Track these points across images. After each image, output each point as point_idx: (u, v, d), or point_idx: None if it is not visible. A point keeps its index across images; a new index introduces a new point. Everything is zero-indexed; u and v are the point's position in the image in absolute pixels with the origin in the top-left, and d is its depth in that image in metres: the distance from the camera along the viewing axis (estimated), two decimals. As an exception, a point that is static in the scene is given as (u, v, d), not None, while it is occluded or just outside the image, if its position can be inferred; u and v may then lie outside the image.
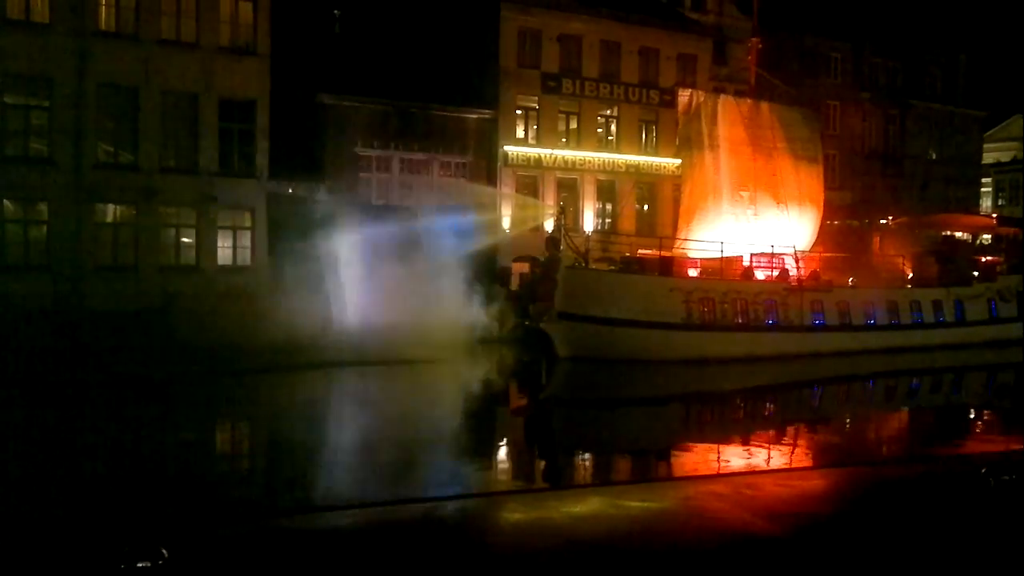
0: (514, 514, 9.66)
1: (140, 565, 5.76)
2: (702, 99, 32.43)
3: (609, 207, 40.53)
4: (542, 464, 16.39)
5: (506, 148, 37.90)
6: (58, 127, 28.45)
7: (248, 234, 31.50)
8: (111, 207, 29.90)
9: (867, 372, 28.87)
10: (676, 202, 33.93)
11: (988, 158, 58.89)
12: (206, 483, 13.58)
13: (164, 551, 5.92)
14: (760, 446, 17.70)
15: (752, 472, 13.60)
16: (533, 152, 38.57)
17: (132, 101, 29.64)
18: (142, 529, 8.55)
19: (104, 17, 29.48)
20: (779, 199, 33.46)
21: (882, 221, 39.85)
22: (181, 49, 30.14)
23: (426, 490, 12.50)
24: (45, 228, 28.63)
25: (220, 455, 16.79)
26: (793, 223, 33.49)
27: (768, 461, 16.22)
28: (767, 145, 33.18)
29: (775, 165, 33.47)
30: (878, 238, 38.56)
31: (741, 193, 32.89)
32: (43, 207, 28.67)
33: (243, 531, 8.52)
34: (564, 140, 39.50)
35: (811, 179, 34.56)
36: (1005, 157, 61.10)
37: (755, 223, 32.74)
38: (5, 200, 28.16)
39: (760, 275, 31.35)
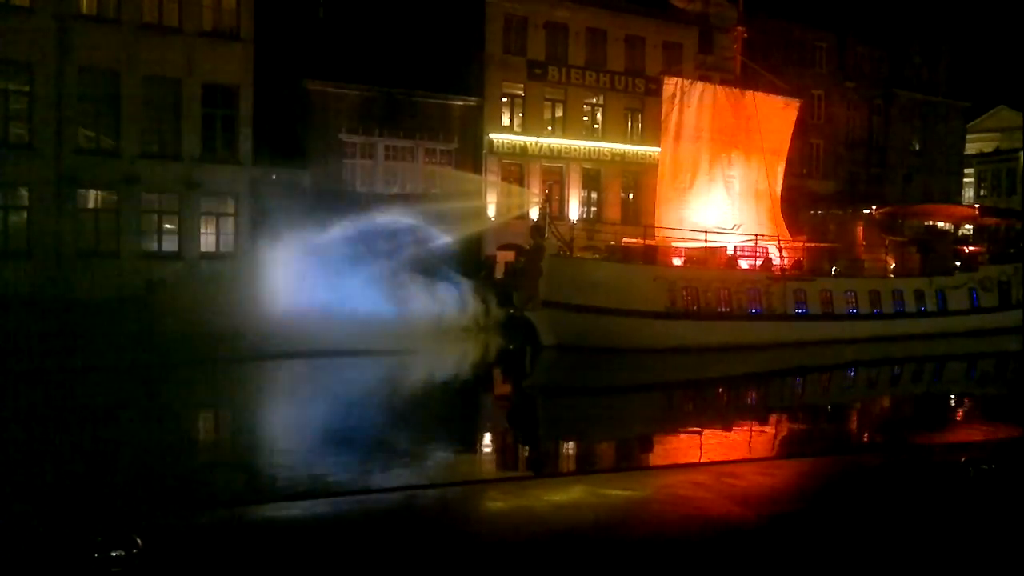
0: (495, 502, 9.63)
1: (113, 554, 5.70)
2: (687, 87, 32.44)
3: (594, 195, 40.54)
4: (525, 452, 16.38)
5: (491, 135, 37.80)
6: (38, 112, 28.22)
7: (231, 221, 31.35)
8: (92, 193, 29.69)
9: (849, 361, 29.02)
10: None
11: (971, 148, 59.17)
12: (182, 472, 13.49)
13: (138, 540, 5.86)
14: (742, 434, 17.74)
15: (734, 461, 13.60)
16: (519, 140, 38.49)
17: (113, 86, 29.41)
18: (116, 518, 8.49)
19: (85, 1, 29.19)
20: (750, 189, 33.60)
21: (865, 211, 39.97)
22: (163, 34, 29.91)
23: (406, 478, 12.46)
24: (25, 214, 28.43)
25: (196, 444, 16.66)
26: (766, 213, 33.63)
27: (750, 449, 16.26)
28: (745, 134, 33.22)
29: (753, 155, 33.55)
30: (861, 228, 38.68)
31: (718, 181, 32.97)
32: (23, 192, 28.45)
33: (218, 519, 8.46)
34: (550, 128, 39.44)
35: (773, 171, 34.58)
36: (988, 148, 61.41)
37: (730, 212, 32.87)
38: (-15, 185, 27.94)
39: (744, 264, 31.48)
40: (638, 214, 39.31)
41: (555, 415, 20.58)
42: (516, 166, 38.84)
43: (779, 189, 35.04)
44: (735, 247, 31.71)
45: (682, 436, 17.66)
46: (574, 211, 38.91)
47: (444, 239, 30.30)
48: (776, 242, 32.23)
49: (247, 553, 7.35)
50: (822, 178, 47.44)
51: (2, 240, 27.76)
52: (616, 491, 9.74)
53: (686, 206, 32.32)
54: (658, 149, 34.20)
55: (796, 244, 33.73)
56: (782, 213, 34.77)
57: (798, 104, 35.84)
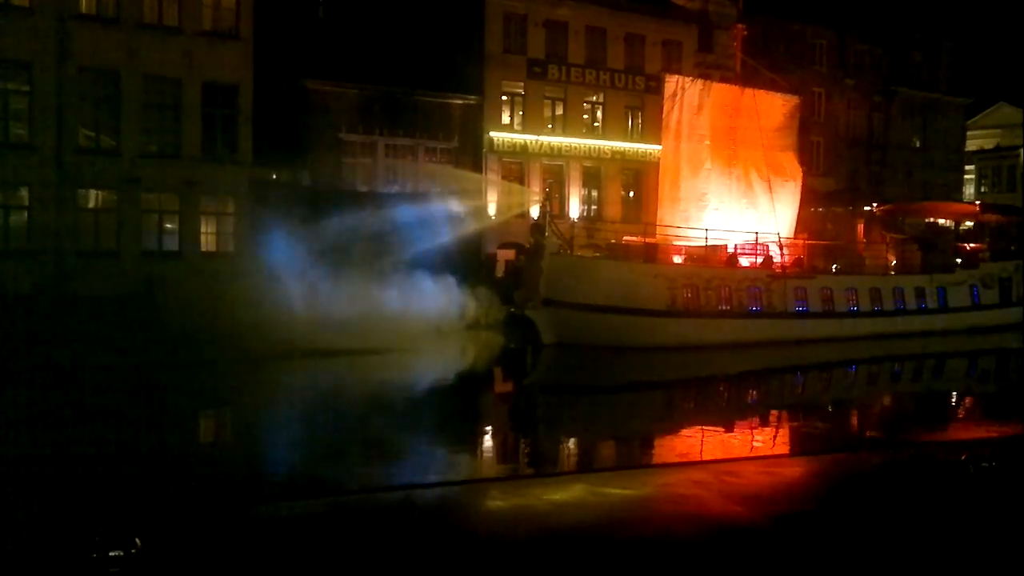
0: (495, 501, 9.64)
1: (112, 554, 5.70)
2: (687, 85, 32.42)
3: (595, 193, 40.54)
4: (525, 451, 16.37)
5: (491, 134, 37.79)
6: (39, 112, 28.18)
7: (231, 220, 31.30)
8: (93, 192, 29.67)
9: (849, 358, 28.99)
10: (661, 188, 33.93)
11: (971, 145, 59.13)
12: (182, 471, 13.49)
13: (137, 540, 5.86)
14: (742, 433, 17.74)
15: (733, 459, 13.60)
16: (519, 138, 38.48)
17: (114, 86, 29.39)
18: (115, 517, 8.49)
19: (85, 1, 29.17)
20: (751, 187, 33.58)
21: (866, 208, 39.92)
22: (163, 33, 29.87)
23: (407, 476, 12.45)
24: (26, 214, 28.40)
25: (197, 443, 16.68)
26: (769, 211, 33.60)
27: (749, 448, 16.25)
28: (747, 132, 33.21)
29: (754, 152, 33.54)
30: (862, 225, 38.64)
31: (720, 179, 32.96)
32: (24, 192, 28.44)
33: (217, 519, 8.46)
34: (550, 126, 39.43)
35: (786, 167, 34.58)
36: (988, 144, 61.37)
37: (732, 210, 32.85)
38: (-15, 185, 27.91)
39: (744, 262, 31.45)
40: (638, 212, 39.30)
41: (555, 413, 20.57)
42: (516, 164, 38.84)
43: (797, 188, 34.94)
44: (735, 245, 31.68)
45: (682, 434, 17.65)
46: (574, 209, 38.90)
47: (444, 238, 30.29)
48: (776, 240, 32.21)
49: (247, 553, 7.35)
50: (823, 175, 47.33)
51: (3, 239, 27.73)
52: (616, 490, 9.75)
53: (687, 204, 32.29)
54: (658, 147, 34.17)
55: (797, 242, 33.71)
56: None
57: (797, 101, 35.78)
